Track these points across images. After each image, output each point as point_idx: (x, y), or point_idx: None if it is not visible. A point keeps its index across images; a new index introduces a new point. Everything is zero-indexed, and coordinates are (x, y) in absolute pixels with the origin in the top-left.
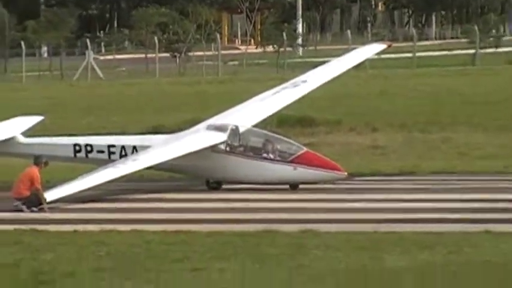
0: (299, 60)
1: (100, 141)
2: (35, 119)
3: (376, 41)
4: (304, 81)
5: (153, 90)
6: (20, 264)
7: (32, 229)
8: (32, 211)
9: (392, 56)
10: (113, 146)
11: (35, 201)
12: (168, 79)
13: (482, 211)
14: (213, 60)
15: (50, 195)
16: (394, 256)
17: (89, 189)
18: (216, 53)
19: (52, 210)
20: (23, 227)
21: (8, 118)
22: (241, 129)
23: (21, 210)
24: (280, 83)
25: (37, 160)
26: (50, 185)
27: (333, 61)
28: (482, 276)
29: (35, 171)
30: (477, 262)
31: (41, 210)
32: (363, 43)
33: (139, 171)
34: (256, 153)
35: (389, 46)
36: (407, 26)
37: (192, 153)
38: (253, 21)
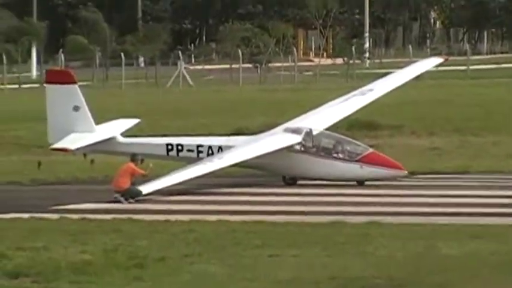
0: (366, 71)
1: (190, 141)
2: (133, 122)
3: (434, 55)
4: (371, 90)
5: (236, 96)
6: (118, 249)
7: (129, 218)
8: (130, 202)
9: (449, 68)
10: (201, 145)
11: (133, 193)
12: (250, 87)
13: None
14: (289, 70)
15: (146, 188)
16: (447, 244)
17: (180, 183)
18: (293, 64)
19: (147, 201)
20: (121, 216)
21: (108, 120)
22: (315, 132)
23: (119, 202)
24: (349, 92)
25: (134, 157)
26: (146, 180)
27: (396, 72)
28: None
29: (132, 165)
30: None
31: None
32: (423, 57)
33: (224, 168)
34: (327, 153)
35: (446, 60)
36: (462, 42)
37: (270, 153)
38: (325, 37)
